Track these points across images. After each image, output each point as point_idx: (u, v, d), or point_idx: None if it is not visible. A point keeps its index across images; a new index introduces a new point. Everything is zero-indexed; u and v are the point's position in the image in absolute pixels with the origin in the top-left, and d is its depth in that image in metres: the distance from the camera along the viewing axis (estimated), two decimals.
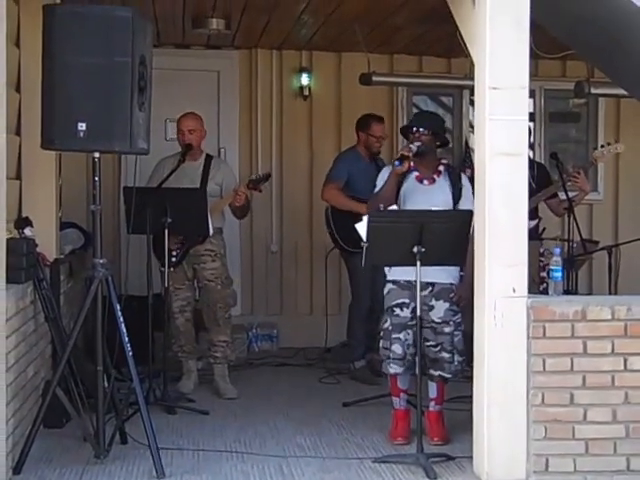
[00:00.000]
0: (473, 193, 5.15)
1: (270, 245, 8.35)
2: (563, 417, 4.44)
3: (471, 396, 4.68)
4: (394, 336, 5.18)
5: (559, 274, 4.76)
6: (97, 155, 4.64)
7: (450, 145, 8.59)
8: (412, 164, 5.23)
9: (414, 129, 5.32)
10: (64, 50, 4.41)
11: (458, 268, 5.24)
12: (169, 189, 6.02)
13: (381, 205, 5.26)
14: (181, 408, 5.82)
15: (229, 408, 5.97)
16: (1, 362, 4.20)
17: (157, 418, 5.14)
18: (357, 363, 6.93)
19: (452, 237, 4.81)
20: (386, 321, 5.25)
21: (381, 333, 5.31)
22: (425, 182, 5.33)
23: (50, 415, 4.79)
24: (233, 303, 6.67)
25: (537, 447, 4.43)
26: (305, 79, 8.29)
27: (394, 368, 5.20)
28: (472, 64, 4.72)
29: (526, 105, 4.55)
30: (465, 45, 4.83)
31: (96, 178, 4.67)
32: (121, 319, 4.64)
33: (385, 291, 5.30)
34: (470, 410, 4.68)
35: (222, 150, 8.14)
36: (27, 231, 5.03)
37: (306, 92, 8.31)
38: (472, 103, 7.75)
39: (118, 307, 4.64)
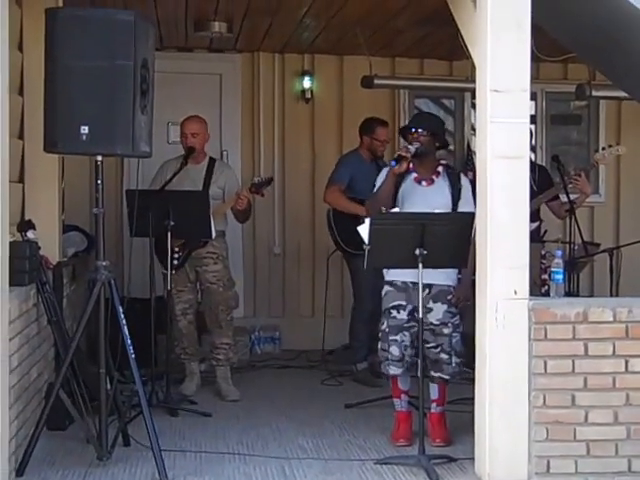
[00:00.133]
0: (474, 194, 5.17)
1: (273, 247, 8.37)
2: (564, 419, 4.45)
3: (473, 398, 4.69)
4: (391, 338, 5.20)
5: (560, 276, 4.77)
6: (100, 158, 4.65)
7: (452, 147, 8.65)
8: (411, 165, 5.24)
9: (413, 130, 5.34)
10: (66, 53, 4.42)
11: (456, 270, 5.25)
12: (172, 192, 6.03)
13: (383, 207, 5.29)
14: (183, 410, 5.83)
15: (231, 410, 5.98)
16: (4, 364, 4.20)
17: (160, 420, 5.15)
18: (359, 365, 6.94)
19: (454, 239, 4.82)
20: (383, 323, 5.28)
21: (379, 335, 5.32)
22: (423, 183, 5.33)
23: (53, 417, 4.80)
24: (235, 305, 6.68)
25: (538, 448, 4.44)
26: (307, 82, 8.31)
27: (392, 370, 5.22)
28: (473, 67, 4.73)
29: (527, 108, 4.57)
30: (466, 48, 4.84)
31: (99, 181, 4.68)
32: (124, 321, 4.65)
33: (383, 293, 5.32)
34: (472, 412, 4.69)
35: (224, 153, 8.16)
36: (30, 234, 5.04)
37: (308, 95, 8.34)
38: (474, 106, 7.77)
39: (121, 310, 4.65)
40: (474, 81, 4.76)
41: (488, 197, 4.51)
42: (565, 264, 5.00)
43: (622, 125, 8.51)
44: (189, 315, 6.41)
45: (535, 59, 4.83)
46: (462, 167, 8.05)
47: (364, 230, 4.84)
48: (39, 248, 5.07)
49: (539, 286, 6.02)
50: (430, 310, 5.13)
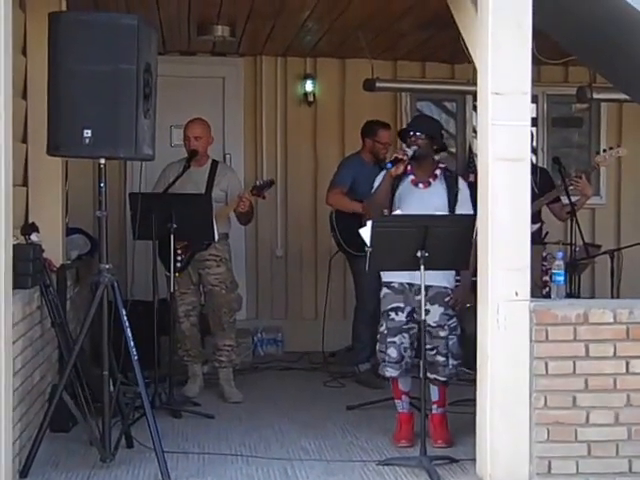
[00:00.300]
0: (475, 196, 5.19)
1: (275, 250, 8.39)
2: (565, 420, 4.47)
3: (474, 399, 4.70)
4: (389, 340, 5.22)
5: (561, 278, 4.78)
6: (103, 161, 4.67)
7: (453, 150, 8.67)
8: (409, 167, 5.27)
9: (411, 133, 5.37)
10: (70, 57, 4.44)
11: (454, 272, 5.27)
12: (174, 195, 6.06)
13: (385, 210, 5.32)
14: (186, 412, 5.85)
15: (234, 412, 6.00)
16: (8, 367, 4.21)
17: (163, 422, 5.18)
18: (362, 366, 6.96)
19: (455, 241, 4.83)
20: (382, 325, 5.30)
21: (378, 337, 5.34)
22: (420, 186, 5.36)
23: (57, 419, 4.83)
24: (238, 307, 6.70)
25: (540, 449, 4.45)
26: (309, 85, 8.33)
27: (390, 371, 5.25)
28: (475, 69, 4.74)
29: (528, 110, 4.58)
30: (468, 51, 4.85)
31: (102, 184, 4.70)
32: (127, 324, 4.66)
33: (381, 295, 5.35)
34: (473, 413, 4.70)
35: (227, 156, 8.18)
36: (33, 237, 5.06)
37: (310, 98, 8.36)
38: (475, 108, 7.79)
39: (124, 312, 4.67)
40: (475, 84, 4.77)
41: (489, 199, 4.52)
42: (566, 266, 5.01)
43: (623, 127, 8.51)
44: (192, 317, 6.43)
45: (536, 62, 4.83)
46: (464, 169, 8.09)
47: (366, 232, 4.85)
48: (43, 251, 5.09)
49: (540, 288, 6.04)
50: (427, 312, 5.13)
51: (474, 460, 4.70)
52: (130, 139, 4.49)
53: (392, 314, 5.25)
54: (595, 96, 7.45)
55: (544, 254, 6.52)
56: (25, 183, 5.57)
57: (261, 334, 8.08)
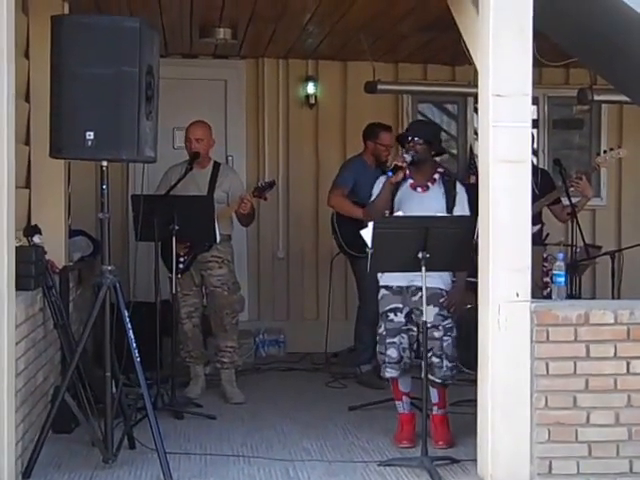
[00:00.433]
0: (469, 201, 5.23)
1: (277, 252, 8.41)
2: (566, 420, 4.48)
3: (475, 399, 4.72)
4: (389, 341, 5.24)
5: (562, 279, 4.78)
6: (105, 163, 4.69)
7: (455, 152, 8.68)
8: (407, 172, 5.29)
9: (409, 138, 5.39)
10: (72, 60, 4.45)
11: (450, 273, 5.29)
12: (176, 197, 6.08)
13: (386, 211, 5.34)
14: (189, 413, 5.87)
15: (236, 413, 6.02)
16: (11, 368, 4.23)
17: (165, 423, 5.20)
18: (363, 367, 6.98)
19: (456, 243, 4.85)
20: (381, 326, 5.33)
21: (377, 338, 5.36)
22: (419, 189, 5.40)
23: (59, 420, 4.84)
24: (240, 309, 6.71)
25: (541, 450, 4.46)
26: (311, 88, 8.35)
27: (390, 372, 5.27)
28: (476, 72, 4.75)
29: (529, 112, 4.59)
30: (469, 53, 4.86)
31: (104, 186, 4.71)
32: (129, 325, 4.68)
33: (379, 297, 5.37)
34: (474, 413, 4.71)
35: (230, 158, 8.19)
36: (36, 239, 5.07)
37: (312, 100, 8.38)
38: (476, 110, 7.80)
39: (126, 313, 4.68)
40: (477, 86, 4.78)
41: (491, 200, 4.54)
42: (567, 267, 5.02)
43: (624, 129, 8.52)
44: (194, 318, 6.45)
45: (537, 64, 4.83)
46: (465, 171, 8.11)
47: (367, 234, 4.87)
48: (45, 253, 5.10)
49: (541, 289, 6.05)
50: (422, 313, 5.14)
51: (475, 460, 4.71)
52: (132, 141, 4.50)
53: (391, 315, 5.27)
54: (596, 98, 7.45)
55: (545, 255, 6.53)
56: (28, 185, 5.60)
57: (263, 335, 8.10)
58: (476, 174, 5.64)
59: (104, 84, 4.45)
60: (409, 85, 8.20)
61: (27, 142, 5.54)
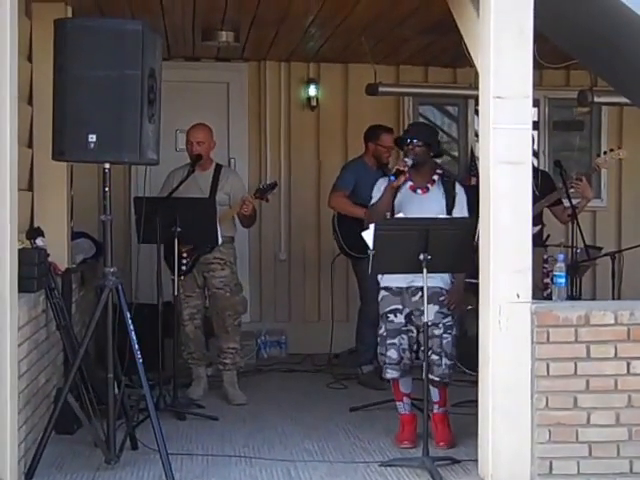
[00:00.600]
0: (470, 202, 5.25)
1: (278, 253, 8.43)
2: (567, 420, 4.49)
3: (476, 400, 4.73)
4: (389, 342, 5.26)
5: (563, 280, 4.79)
6: (107, 166, 4.70)
7: (456, 153, 8.70)
8: (407, 174, 5.31)
9: (408, 141, 5.41)
10: (75, 63, 4.47)
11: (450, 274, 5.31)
12: (178, 199, 6.09)
13: (387, 213, 5.36)
14: (191, 414, 5.88)
15: (238, 414, 6.03)
16: (13, 370, 4.24)
17: (167, 424, 5.22)
18: (365, 368, 7.00)
19: (457, 244, 4.87)
20: (381, 327, 5.35)
21: (378, 339, 5.38)
22: (419, 191, 5.43)
23: (61, 421, 4.85)
24: (243, 310, 6.71)
25: (541, 450, 4.48)
26: (313, 90, 8.37)
27: (390, 373, 5.29)
28: (477, 74, 4.77)
29: (530, 114, 4.60)
30: (470, 55, 4.88)
31: (106, 189, 4.74)
32: (131, 327, 4.70)
33: (379, 298, 5.39)
34: (475, 414, 4.73)
35: (232, 160, 8.22)
36: (39, 241, 5.10)
37: (314, 103, 8.39)
38: (477, 112, 7.81)
39: (128, 315, 4.70)
40: (477, 88, 4.80)
41: (491, 202, 4.55)
42: (567, 268, 5.03)
43: (624, 131, 8.53)
44: (196, 320, 6.47)
45: (537, 66, 4.84)
46: (466, 173, 8.12)
47: (368, 236, 4.89)
48: (48, 255, 5.12)
49: (541, 290, 6.07)
50: (423, 312, 5.16)
51: (476, 461, 4.73)
52: (134, 144, 4.52)
53: (391, 316, 5.30)
54: (596, 100, 7.46)
55: (545, 256, 6.55)
56: (30, 188, 5.62)
57: (265, 336, 8.12)
58: (477, 176, 5.65)
59: (107, 87, 4.47)
60: (410, 87, 8.21)
61: (30, 145, 5.56)
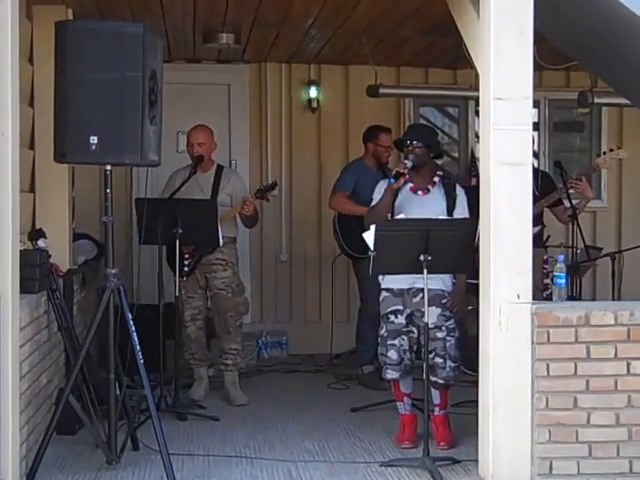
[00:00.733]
0: (470, 202, 5.26)
1: (279, 254, 8.44)
2: (567, 421, 4.50)
3: (476, 400, 4.74)
4: (389, 342, 5.28)
5: (563, 280, 4.79)
6: (109, 168, 4.71)
7: (456, 155, 8.71)
8: (407, 176, 5.32)
9: (408, 142, 5.42)
10: (76, 65, 4.48)
11: (451, 275, 5.32)
12: (180, 200, 6.11)
13: (388, 215, 5.37)
14: (192, 414, 5.90)
15: (239, 414, 6.05)
16: (15, 371, 4.25)
17: (168, 424, 5.23)
18: (365, 368, 7.01)
19: (458, 245, 4.88)
20: (382, 328, 5.36)
21: (378, 340, 5.39)
22: (419, 193, 5.44)
23: (63, 422, 4.86)
24: (245, 311, 6.72)
25: (541, 450, 4.48)
26: (313, 92, 8.39)
27: (390, 373, 5.30)
28: (477, 75, 4.78)
29: (530, 115, 4.61)
30: (470, 56, 4.89)
31: (108, 190, 4.75)
32: (133, 328, 4.71)
33: (380, 299, 5.41)
34: (476, 414, 4.74)
35: (233, 162, 8.23)
36: (41, 242, 5.11)
37: (314, 104, 8.41)
38: (477, 113, 7.83)
39: (130, 316, 4.71)
40: (478, 89, 4.80)
41: (492, 203, 4.56)
42: (567, 268, 5.04)
43: (624, 131, 8.54)
44: (198, 321, 6.48)
45: (538, 67, 4.85)
46: (466, 174, 8.13)
47: (369, 236, 4.90)
48: (50, 256, 5.13)
49: (541, 291, 6.08)
50: (424, 313, 5.16)
51: (476, 461, 4.74)
52: (136, 145, 4.53)
53: (392, 317, 5.31)
54: (596, 101, 7.48)
55: (545, 257, 6.57)
56: (32, 189, 5.63)
57: (266, 337, 8.13)
58: (477, 177, 5.66)
59: (108, 89, 4.48)
60: (411, 89, 8.23)
61: (32, 147, 5.57)
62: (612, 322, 4.52)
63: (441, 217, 5.23)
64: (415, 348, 5.32)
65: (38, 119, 5.54)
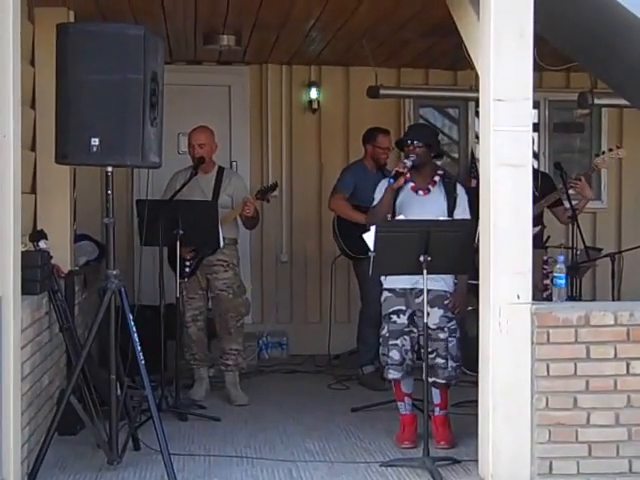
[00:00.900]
0: (470, 203, 5.27)
1: (280, 255, 8.45)
2: (567, 421, 4.51)
3: (476, 401, 4.75)
4: (391, 342, 5.29)
5: (563, 281, 4.80)
6: (110, 169, 4.72)
7: (456, 155, 8.72)
8: (408, 175, 5.34)
9: (408, 142, 5.44)
10: (77, 67, 4.49)
11: (452, 276, 5.33)
12: (180, 201, 6.12)
13: (388, 215, 5.39)
14: (193, 415, 5.90)
15: (240, 414, 6.06)
16: (17, 372, 4.26)
17: (169, 425, 5.25)
18: (366, 368, 7.02)
19: (458, 246, 4.89)
20: (384, 328, 5.37)
21: (380, 340, 5.40)
22: (420, 192, 5.45)
23: (64, 422, 4.86)
24: (246, 312, 6.73)
25: (541, 450, 4.49)
26: (314, 93, 8.39)
27: (392, 374, 5.31)
28: (477, 76, 4.79)
29: (530, 116, 4.62)
30: (470, 57, 4.90)
31: (109, 191, 4.76)
32: (134, 328, 4.72)
33: (382, 299, 5.42)
34: (476, 414, 4.75)
35: (234, 163, 8.24)
36: (42, 244, 5.12)
37: (315, 106, 8.42)
38: (477, 114, 7.84)
39: (131, 317, 4.72)
40: (478, 90, 4.81)
41: (492, 204, 4.57)
42: (567, 269, 5.05)
43: (624, 132, 8.54)
44: (199, 322, 6.50)
45: (538, 68, 4.86)
46: (466, 175, 8.14)
47: (369, 237, 4.91)
48: (51, 257, 5.15)
49: (541, 291, 6.09)
50: (427, 315, 5.19)
51: (476, 461, 4.75)
52: (137, 147, 4.54)
53: (394, 317, 5.32)
54: (596, 102, 7.48)
55: (545, 257, 6.57)
56: (34, 191, 5.65)
57: (266, 338, 8.14)
58: (477, 178, 5.67)
59: (109, 91, 4.49)
60: (411, 90, 8.24)
61: (33, 148, 5.59)
62: (612, 322, 4.53)
63: (441, 217, 5.24)
64: (416, 348, 5.33)
65: (39, 121, 5.55)
